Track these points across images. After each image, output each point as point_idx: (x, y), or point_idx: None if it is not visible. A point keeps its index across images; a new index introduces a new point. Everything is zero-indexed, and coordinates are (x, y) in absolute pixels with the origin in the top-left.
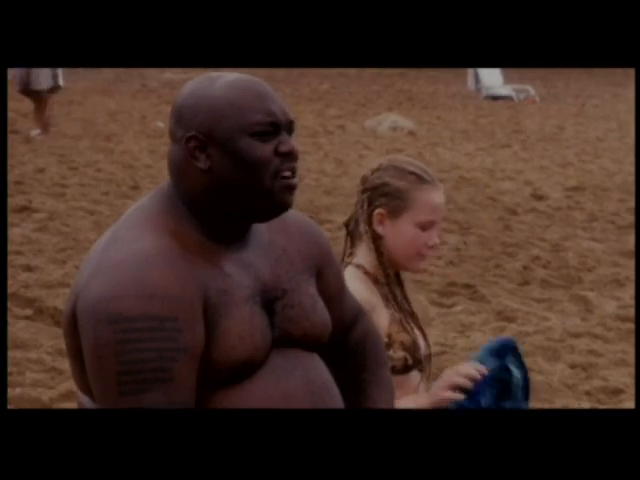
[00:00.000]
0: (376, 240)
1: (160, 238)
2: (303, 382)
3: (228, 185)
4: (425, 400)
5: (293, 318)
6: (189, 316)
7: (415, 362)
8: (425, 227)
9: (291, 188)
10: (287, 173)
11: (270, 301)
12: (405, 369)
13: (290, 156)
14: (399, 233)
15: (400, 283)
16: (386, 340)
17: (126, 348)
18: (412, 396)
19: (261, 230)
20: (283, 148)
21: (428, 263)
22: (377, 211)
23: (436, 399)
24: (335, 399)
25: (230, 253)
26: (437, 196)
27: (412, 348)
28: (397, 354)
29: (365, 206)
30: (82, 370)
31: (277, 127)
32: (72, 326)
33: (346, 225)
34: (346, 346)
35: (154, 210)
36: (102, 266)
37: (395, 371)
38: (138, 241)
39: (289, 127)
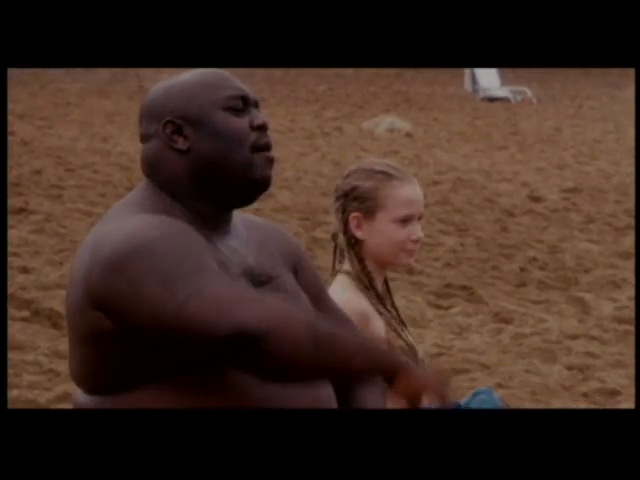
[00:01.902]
0: (355, 246)
1: (153, 214)
2: None
3: (209, 163)
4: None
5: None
6: (205, 248)
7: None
8: (404, 221)
9: (270, 161)
10: (265, 148)
11: (259, 284)
12: None
13: (264, 129)
14: (379, 233)
15: (388, 289)
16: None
17: (159, 257)
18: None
19: (239, 227)
20: (257, 121)
21: (415, 257)
22: (352, 215)
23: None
24: (325, 385)
25: (216, 238)
26: (409, 189)
27: (410, 353)
28: None
29: (340, 214)
30: (88, 356)
31: (247, 102)
32: (82, 307)
33: (333, 237)
34: None
35: (140, 199)
36: (101, 240)
37: None
38: (133, 216)
39: (257, 105)
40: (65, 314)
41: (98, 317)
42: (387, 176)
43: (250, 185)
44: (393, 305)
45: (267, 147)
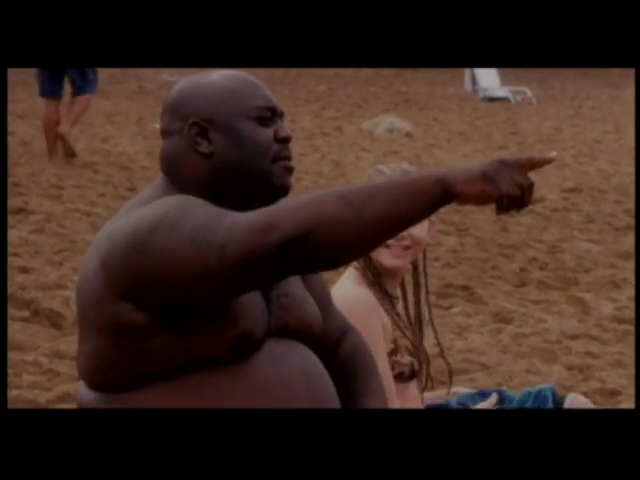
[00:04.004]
0: None
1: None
2: (299, 368)
3: (230, 169)
4: None
5: (287, 306)
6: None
7: (420, 368)
8: None
9: (290, 171)
10: (285, 158)
11: (265, 289)
12: (411, 375)
13: (287, 142)
14: None
15: (402, 286)
16: (392, 346)
17: (177, 224)
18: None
19: None
20: (282, 134)
21: (404, 260)
22: None
23: None
24: (329, 388)
25: None
26: None
27: (416, 354)
28: (404, 359)
29: None
30: (100, 349)
31: (274, 113)
32: (102, 299)
33: None
34: (336, 360)
35: (154, 198)
36: (115, 232)
37: (403, 378)
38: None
39: (282, 116)
40: (78, 309)
41: (123, 308)
42: (378, 173)
43: (268, 193)
44: (405, 302)
45: (287, 158)
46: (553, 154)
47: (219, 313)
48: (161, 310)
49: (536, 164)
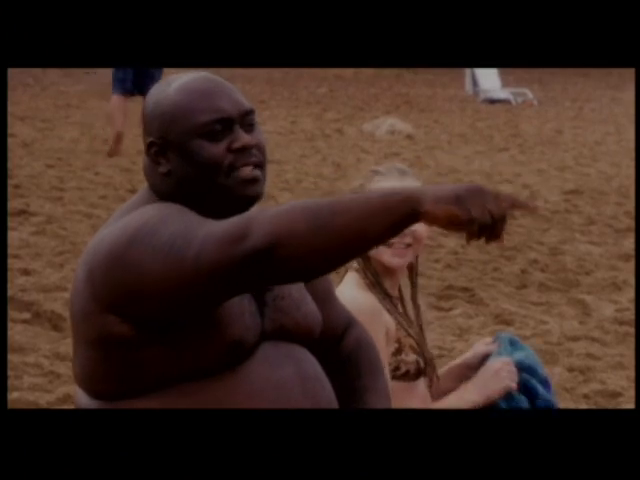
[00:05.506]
0: None
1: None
2: (295, 372)
3: (187, 186)
4: (475, 397)
5: (284, 309)
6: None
7: (425, 366)
8: None
9: (249, 180)
10: (245, 168)
11: (260, 292)
12: (418, 373)
13: (245, 151)
14: None
15: (401, 294)
16: (396, 345)
17: (154, 235)
18: (454, 395)
19: None
20: (236, 145)
21: (406, 259)
22: None
23: (493, 392)
24: (327, 391)
25: None
26: (389, 184)
27: (420, 353)
28: (410, 357)
29: None
30: (93, 361)
31: (228, 123)
32: (89, 312)
33: None
34: (339, 355)
35: (140, 205)
36: (98, 243)
37: (409, 376)
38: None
39: (244, 119)
40: (70, 320)
41: (110, 321)
42: (374, 173)
43: (232, 205)
44: (402, 304)
45: (249, 165)
46: (537, 205)
47: (207, 322)
48: (147, 321)
49: (516, 204)
